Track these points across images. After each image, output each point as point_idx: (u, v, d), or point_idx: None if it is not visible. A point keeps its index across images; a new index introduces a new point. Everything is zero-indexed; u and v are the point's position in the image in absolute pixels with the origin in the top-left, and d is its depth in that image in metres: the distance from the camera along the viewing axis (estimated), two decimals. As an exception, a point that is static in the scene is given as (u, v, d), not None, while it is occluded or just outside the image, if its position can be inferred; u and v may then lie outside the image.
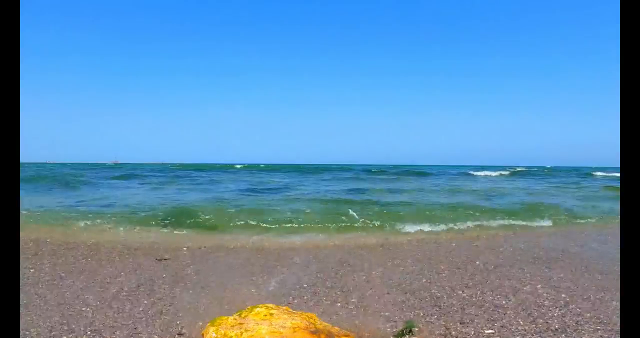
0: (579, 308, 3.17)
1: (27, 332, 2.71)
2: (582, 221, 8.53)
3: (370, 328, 2.81)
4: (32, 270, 4.30)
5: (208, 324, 2.24)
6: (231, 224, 7.24)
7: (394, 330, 2.73)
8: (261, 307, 2.36)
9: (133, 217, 7.73)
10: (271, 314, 2.28)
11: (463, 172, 38.64)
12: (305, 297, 3.50)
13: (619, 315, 2.99)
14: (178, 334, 2.71)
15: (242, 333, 2.09)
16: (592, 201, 12.16)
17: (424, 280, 4.03)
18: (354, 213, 8.30)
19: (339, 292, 3.63)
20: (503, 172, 35.89)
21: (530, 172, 38.78)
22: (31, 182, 17.32)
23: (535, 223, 8.02)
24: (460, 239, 6.40)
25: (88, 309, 3.16)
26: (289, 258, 4.99)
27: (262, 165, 60.92)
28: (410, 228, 7.20)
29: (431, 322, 2.91)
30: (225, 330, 2.12)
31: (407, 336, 2.66)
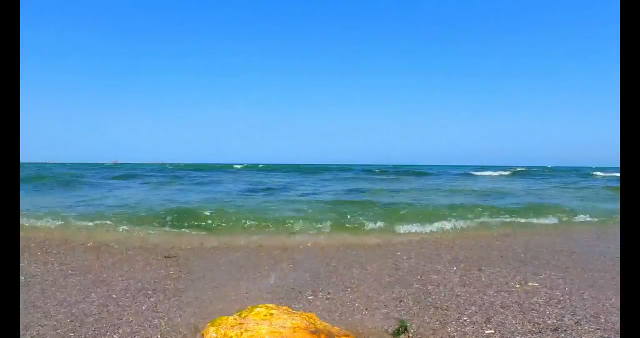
0: (579, 308, 3.17)
1: (30, 331, 2.71)
2: (584, 220, 8.53)
3: (369, 327, 2.81)
4: (35, 270, 4.31)
5: (208, 324, 2.24)
6: (231, 224, 7.24)
7: (392, 329, 2.73)
8: (261, 307, 2.36)
9: (133, 217, 7.73)
10: (271, 314, 2.28)
11: (463, 172, 38.63)
12: (304, 297, 3.50)
13: (618, 315, 2.99)
14: (181, 333, 2.71)
15: (242, 333, 2.09)
16: (594, 201, 12.16)
17: (423, 279, 4.03)
18: (354, 213, 8.30)
19: (338, 292, 3.63)
20: (504, 172, 35.84)
21: (531, 172, 38.76)
22: (31, 182, 17.32)
23: (535, 223, 8.02)
24: (460, 239, 6.40)
25: (92, 307, 3.17)
26: (288, 258, 4.99)
27: (260, 165, 60.90)
28: (410, 228, 7.20)
29: (430, 321, 2.91)
30: (225, 330, 2.12)
31: (403, 335, 2.66)
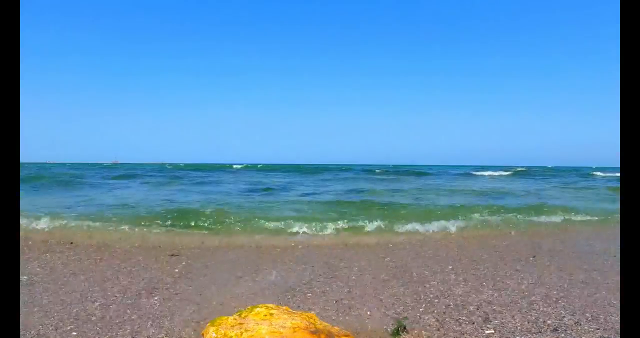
0: (578, 308, 3.17)
1: (31, 331, 2.71)
2: (584, 220, 8.53)
3: (368, 327, 2.81)
4: (36, 269, 4.31)
5: (208, 324, 2.24)
6: (231, 224, 7.24)
7: (391, 329, 2.73)
8: (261, 307, 2.36)
9: (133, 217, 7.73)
10: (271, 314, 2.28)
11: (463, 172, 38.63)
12: (304, 296, 3.51)
13: (618, 315, 2.99)
14: (181, 333, 2.71)
15: (242, 333, 2.09)
16: (595, 201, 12.17)
17: (422, 279, 4.03)
18: (353, 213, 8.30)
19: (338, 291, 3.63)
20: (504, 172, 35.80)
21: (531, 172, 38.75)
22: (31, 182, 17.32)
23: (536, 223, 8.02)
24: (459, 238, 6.40)
25: (94, 307, 3.17)
26: (288, 258, 4.99)
27: (259, 166, 60.88)
28: (409, 227, 7.20)
29: (429, 321, 2.91)
30: (225, 330, 2.12)
31: (403, 334, 2.66)
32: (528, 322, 2.89)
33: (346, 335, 2.27)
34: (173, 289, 3.71)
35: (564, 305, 3.24)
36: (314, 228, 6.93)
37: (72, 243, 5.75)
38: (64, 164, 70.78)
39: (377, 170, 38.78)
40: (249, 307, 2.41)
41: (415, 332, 2.73)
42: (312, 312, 2.87)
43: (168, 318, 2.98)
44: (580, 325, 2.83)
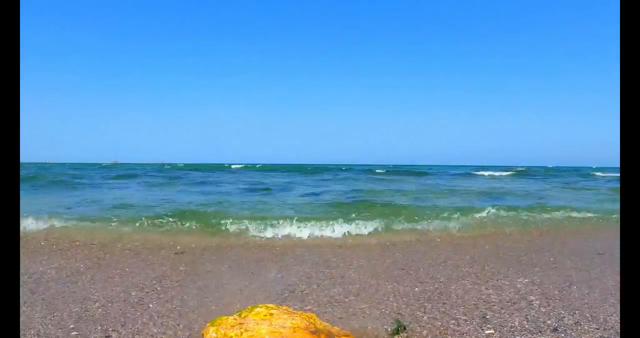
0: (578, 308, 3.17)
1: (33, 329, 2.71)
2: (585, 220, 8.52)
3: (368, 326, 2.81)
4: (38, 269, 4.31)
5: (208, 324, 2.24)
6: (231, 224, 7.24)
7: (391, 329, 2.73)
8: (261, 307, 2.36)
9: (133, 217, 7.73)
10: (271, 314, 2.28)
11: (464, 172, 38.62)
12: (304, 296, 3.50)
13: (618, 314, 2.99)
14: (181, 332, 2.71)
15: (242, 333, 2.09)
16: (597, 201, 12.17)
17: (422, 279, 4.03)
18: (353, 213, 8.30)
19: (337, 291, 3.63)
20: (504, 172, 35.72)
21: (532, 172, 38.73)
22: (31, 182, 17.31)
23: (536, 223, 8.02)
24: (459, 238, 6.40)
25: (95, 305, 3.17)
26: (288, 258, 4.99)
27: (258, 166, 60.87)
28: (409, 227, 7.20)
29: (429, 321, 2.91)
30: (225, 330, 2.12)
31: (402, 334, 2.66)
32: (528, 322, 2.89)
33: (346, 335, 2.27)
34: (174, 289, 3.71)
35: (563, 305, 3.24)
36: (313, 228, 6.93)
37: (72, 243, 5.75)
38: (64, 164, 70.78)
39: (377, 170, 38.77)
40: (249, 307, 2.41)
41: (415, 331, 2.73)
42: (312, 312, 2.87)
43: (168, 318, 2.98)
44: (580, 325, 2.83)
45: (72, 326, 2.82)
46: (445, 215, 8.37)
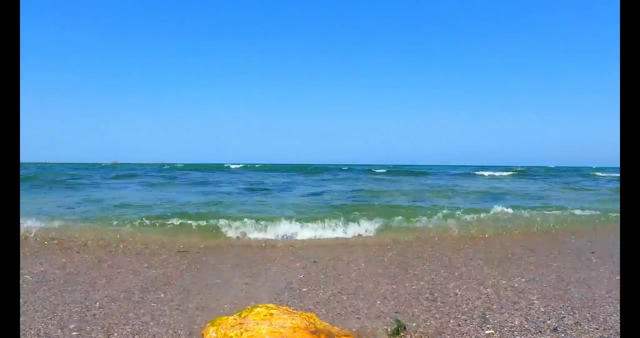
0: (578, 308, 3.17)
1: (34, 330, 2.71)
2: (586, 220, 8.52)
3: (368, 327, 2.81)
4: (39, 269, 4.31)
5: (208, 324, 2.24)
6: (231, 224, 7.24)
7: (391, 329, 2.73)
8: (261, 307, 2.36)
9: (133, 217, 7.73)
10: (271, 314, 2.28)
11: (464, 172, 38.60)
12: (304, 296, 3.51)
13: (618, 315, 2.99)
14: (182, 332, 2.71)
15: (242, 333, 2.09)
16: (599, 201, 12.16)
17: (422, 279, 4.03)
18: (353, 213, 8.30)
19: (338, 291, 3.63)
20: (506, 172, 35.55)
21: (533, 172, 38.68)
22: (31, 182, 17.32)
23: (537, 222, 8.02)
24: (458, 238, 6.40)
25: (96, 306, 3.17)
26: (288, 258, 4.99)
27: (257, 165, 60.85)
28: (409, 227, 7.20)
29: (429, 321, 2.91)
30: (225, 330, 2.12)
31: (402, 334, 2.66)
32: (528, 322, 2.89)
33: (346, 335, 2.27)
34: (174, 288, 3.71)
35: (563, 305, 3.24)
36: (313, 228, 6.93)
37: (72, 242, 5.75)
38: (63, 164, 70.79)
39: (377, 170, 38.76)
40: (249, 307, 2.41)
41: (415, 331, 2.73)
42: (312, 311, 2.87)
43: (169, 317, 2.98)
44: (580, 325, 2.83)
45: (73, 326, 2.82)
46: (445, 215, 8.37)
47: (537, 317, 2.98)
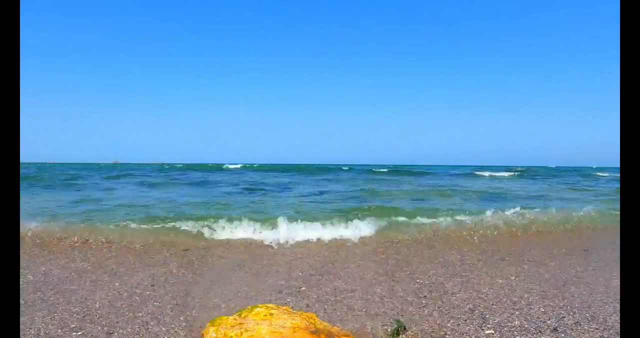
0: (578, 308, 3.17)
1: (34, 329, 2.71)
2: (588, 220, 8.51)
3: (367, 327, 2.81)
4: (41, 269, 4.31)
5: (208, 324, 2.24)
6: (231, 223, 7.24)
7: (391, 329, 2.73)
8: (261, 307, 2.36)
9: (134, 217, 7.73)
10: (271, 314, 2.28)
11: (465, 172, 38.57)
12: (304, 296, 3.51)
13: (618, 315, 2.99)
14: (182, 333, 2.72)
15: (242, 333, 2.09)
16: (601, 201, 12.16)
17: (421, 279, 4.03)
18: (352, 213, 8.30)
19: (337, 291, 3.63)
20: (507, 173, 35.37)
21: (534, 173, 38.64)
22: (31, 181, 17.33)
23: (538, 222, 8.01)
24: (458, 238, 6.40)
25: (96, 305, 3.17)
26: (288, 258, 4.99)
27: (256, 165, 60.83)
28: (408, 227, 7.19)
29: (429, 321, 2.91)
30: (225, 330, 2.12)
31: (402, 334, 2.66)
32: (528, 322, 2.89)
33: (346, 335, 2.27)
34: (174, 288, 3.71)
35: (563, 305, 3.24)
36: (313, 228, 6.93)
37: (72, 242, 5.75)
38: (63, 164, 70.81)
39: (376, 170, 38.76)
40: (249, 307, 2.41)
41: (415, 331, 2.73)
42: (312, 311, 2.87)
43: (169, 317, 2.99)
44: (580, 325, 2.83)
45: (73, 326, 2.83)
46: (444, 215, 8.36)
47: (537, 317, 2.98)
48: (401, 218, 7.77)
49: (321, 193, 14.15)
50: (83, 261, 4.76)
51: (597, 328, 2.76)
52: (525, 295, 3.51)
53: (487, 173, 33.94)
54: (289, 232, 6.70)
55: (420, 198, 12.52)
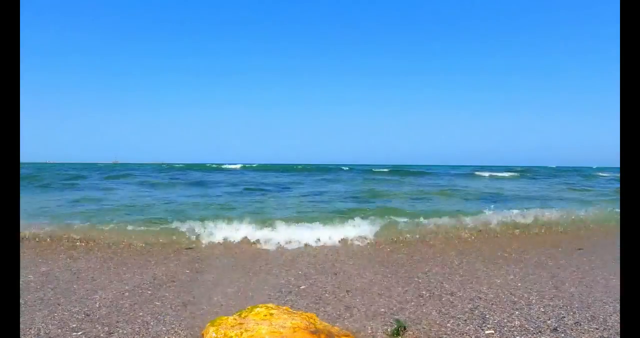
0: (578, 308, 3.17)
1: (34, 329, 2.71)
2: (589, 221, 8.51)
3: (367, 327, 2.81)
4: (41, 269, 4.31)
5: (208, 324, 2.24)
6: (231, 224, 7.24)
7: (391, 329, 2.73)
8: (261, 307, 2.36)
9: (134, 217, 7.73)
10: (271, 314, 2.28)
11: (465, 172, 38.55)
12: (304, 296, 3.51)
13: (618, 315, 2.99)
14: (182, 333, 2.72)
15: (242, 333, 2.09)
16: (603, 201, 12.16)
17: (421, 279, 4.03)
18: (352, 213, 8.30)
19: (337, 291, 3.63)
20: (508, 173, 35.19)
21: (535, 173, 38.58)
22: (31, 181, 17.33)
23: (539, 222, 8.01)
24: (458, 239, 6.40)
25: (97, 305, 3.17)
26: (289, 258, 4.99)
27: (255, 165, 60.84)
28: (408, 227, 7.19)
29: (428, 321, 2.91)
30: (225, 330, 2.12)
31: (402, 334, 2.66)
32: (528, 322, 2.89)
33: (346, 335, 2.27)
34: (174, 288, 3.71)
35: (563, 305, 3.24)
36: (313, 228, 6.93)
37: (72, 242, 5.75)
38: (63, 164, 70.86)
39: (377, 170, 38.76)
40: (249, 307, 2.41)
41: (415, 331, 2.73)
42: (312, 311, 2.87)
43: (169, 317, 2.98)
44: (580, 325, 2.83)
45: (73, 326, 2.83)
46: (444, 215, 8.36)
47: (537, 317, 2.98)
48: (401, 219, 7.76)
49: (322, 193, 14.15)
50: (83, 261, 4.76)
51: (597, 328, 2.76)
52: (525, 295, 3.51)
53: (487, 174, 33.87)
54: (289, 232, 6.69)
55: (420, 198, 12.52)
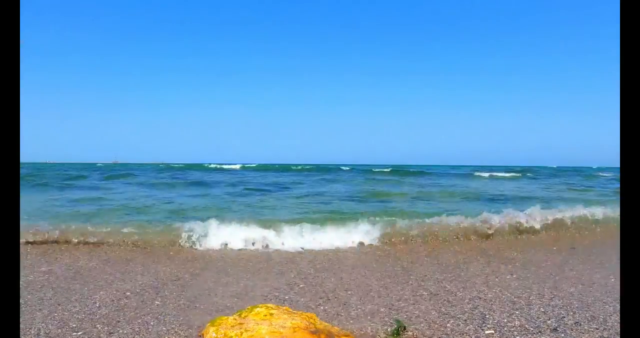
0: (578, 308, 3.17)
1: (33, 330, 2.71)
2: (590, 221, 8.50)
3: (367, 327, 2.81)
4: (42, 269, 4.31)
5: (208, 324, 2.24)
6: (230, 224, 7.24)
7: (391, 329, 2.73)
8: (261, 307, 2.36)
9: (133, 217, 7.74)
10: (271, 314, 2.28)
11: (466, 172, 38.54)
12: (304, 296, 3.51)
13: (618, 315, 2.99)
14: (182, 333, 2.72)
15: (242, 333, 2.09)
16: (604, 201, 12.14)
17: (421, 279, 4.03)
18: (352, 213, 8.30)
19: (337, 291, 3.63)
20: (508, 173, 35.11)
21: (535, 173, 38.54)
22: (31, 181, 17.33)
23: (539, 222, 8.00)
24: (458, 239, 6.40)
25: (97, 305, 3.17)
26: (289, 258, 4.99)
27: (254, 165, 60.84)
28: (409, 228, 7.18)
29: (428, 322, 2.91)
30: (225, 330, 2.12)
31: (402, 335, 2.66)
32: (528, 322, 2.89)
33: (346, 335, 2.28)
34: (174, 288, 3.71)
35: (563, 305, 3.24)
36: (313, 229, 6.93)
37: (72, 242, 5.75)
38: (63, 164, 70.87)
39: (377, 170, 38.75)
40: (249, 307, 2.41)
41: (415, 331, 2.73)
42: (312, 312, 2.87)
43: (169, 317, 2.99)
44: (580, 325, 2.83)
45: (73, 326, 2.83)
46: (445, 215, 8.36)
47: (537, 317, 2.98)
48: (401, 219, 7.76)
49: (322, 193, 14.15)
50: (83, 261, 4.76)
51: (597, 328, 2.76)
52: (525, 295, 3.51)
53: (487, 174, 33.84)
54: (289, 232, 6.69)
55: (421, 198, 12.52)
